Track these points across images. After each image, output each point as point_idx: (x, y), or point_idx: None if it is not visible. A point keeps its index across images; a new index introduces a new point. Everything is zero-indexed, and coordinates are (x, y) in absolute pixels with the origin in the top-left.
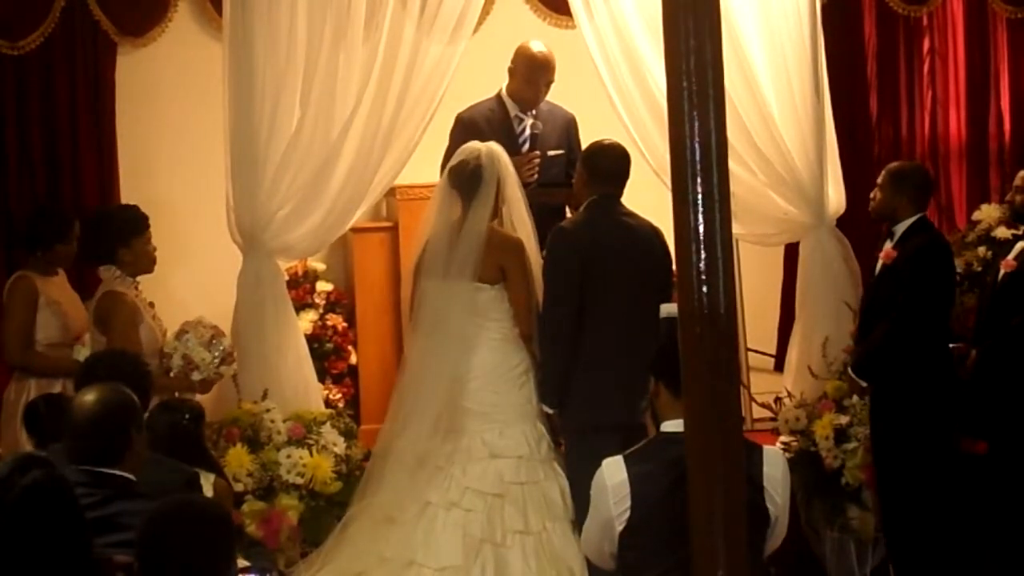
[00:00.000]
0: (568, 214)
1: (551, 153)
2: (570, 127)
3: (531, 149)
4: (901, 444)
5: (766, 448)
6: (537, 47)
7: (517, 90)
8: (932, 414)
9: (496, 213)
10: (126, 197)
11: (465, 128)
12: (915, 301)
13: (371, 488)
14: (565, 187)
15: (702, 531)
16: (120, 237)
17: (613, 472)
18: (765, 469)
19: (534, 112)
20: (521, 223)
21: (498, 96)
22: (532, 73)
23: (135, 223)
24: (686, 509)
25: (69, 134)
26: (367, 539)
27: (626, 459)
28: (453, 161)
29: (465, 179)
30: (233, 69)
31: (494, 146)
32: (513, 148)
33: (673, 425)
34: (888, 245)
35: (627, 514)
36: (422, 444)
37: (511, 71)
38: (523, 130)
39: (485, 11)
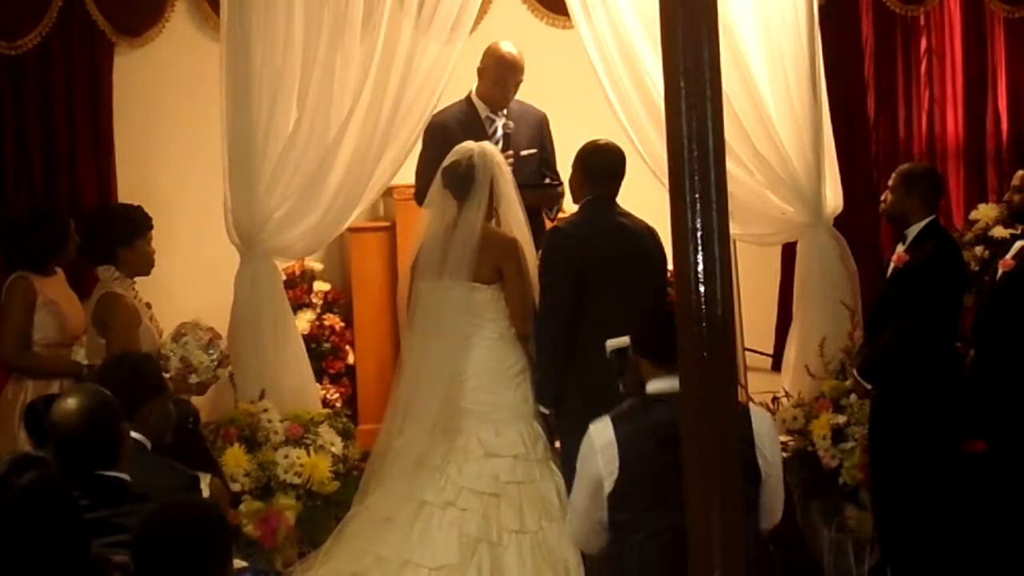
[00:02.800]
0: (543, 215)
1: (524, 153)
2: (542, 125)
3: (504, 149)
4: (904, 447)
5: (752, 407)
6: (506, 47)
7: (487, 91)
8: (936, 418)
9: (491, 213)
10: (123, 197)
11: (436, 132)
12: (926, 306)
13: (371, 488)
14: (540, 187)
15: (700, 530)
16: (124, 237)
17: (601, 433)
18: (754, 426)
19: (505, 112)
20: (517, 222)
21: (468, 98)
22: (501, 74)
23: (140, 223)
24: (676, 470)
25: (67, 134)
26: (364, 539)
27: (613, 420)
28: (446, 161)
29: (458, 179)
30: (230, 69)
31: (487, 145)
32: None
33: (657, 385)
34: (900, 248)
35: (616, 474)
36: (421, 444)
37: (480, 72)
38: (495, 131)
39: (482, 11)
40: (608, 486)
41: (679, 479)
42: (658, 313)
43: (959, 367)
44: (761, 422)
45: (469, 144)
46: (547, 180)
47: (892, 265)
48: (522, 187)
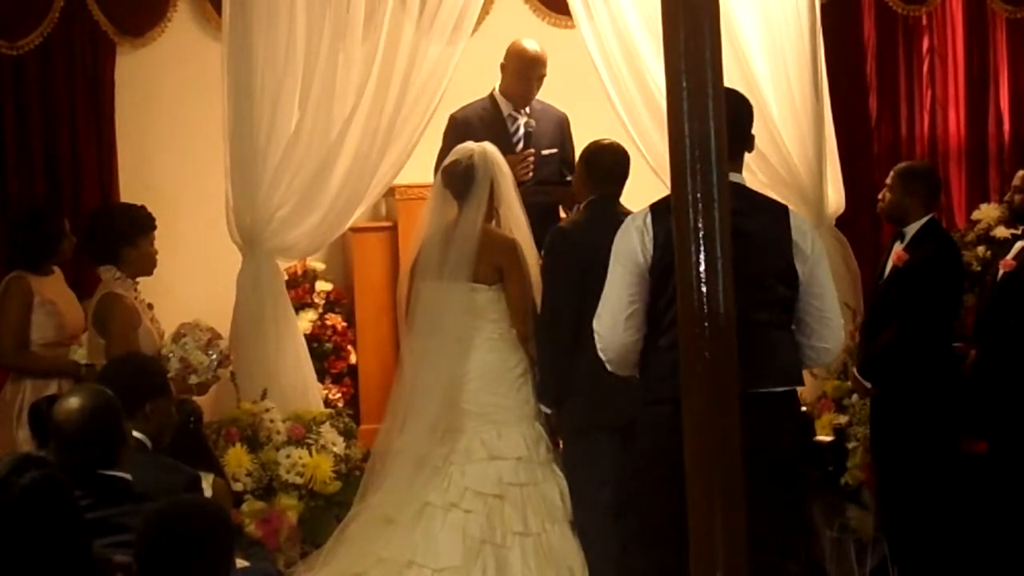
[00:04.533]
0: (562, 213)
1: (545, 152)
2: (563, 125)
3: (525, 147)
4: (904, 445)
5: (790, 209)
6: (529, 43)
7: (509, 87)
8: (936, 417)
9: (492, 214)
10: (125, 197)
11: (459, 128)
12: (925, 305)
13: (371, 489)
14: (560, 185)
15: (701, 530)
16: (127, 236)
17: (636, 217)
18: (792, 222)
19: (527, 110)
20: (517, 223)
21: (491, 95)
22: (523, 68)
23: (143, 223)
24: None
25: (68, 134)
26: (366, 540)
27: (650, 209)
28: (446, 161)
29: (458, 179)
30: (232, 69)
31: (488, 146)
32: (507, 147)
33: None
34: (899, 247)
35: (652, 251)
36: (421, 445)
37: (503, 67)
38: (517, 128)
39: (484, 11)
40: (645, 262)
41: None
42: None
43: (957, 367)
44: (797, 218)
45: (469, 144)
46: (567, 179)
47: (891, 264)
48: (541, 183)
